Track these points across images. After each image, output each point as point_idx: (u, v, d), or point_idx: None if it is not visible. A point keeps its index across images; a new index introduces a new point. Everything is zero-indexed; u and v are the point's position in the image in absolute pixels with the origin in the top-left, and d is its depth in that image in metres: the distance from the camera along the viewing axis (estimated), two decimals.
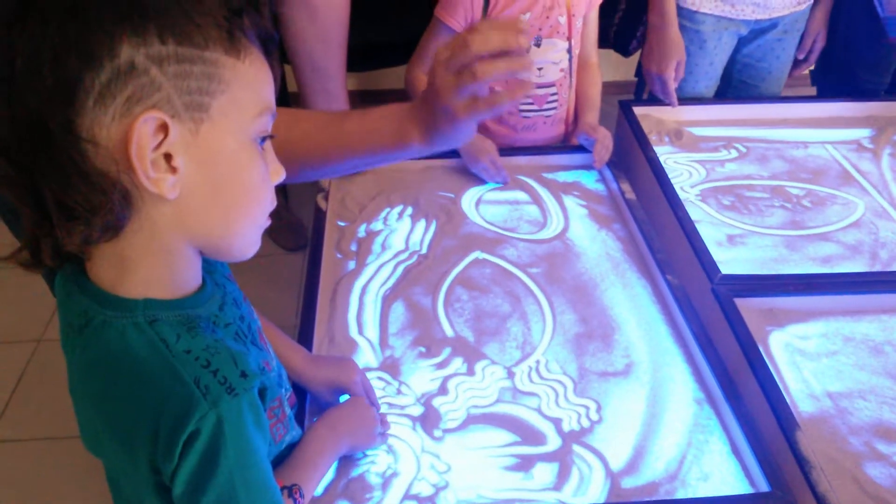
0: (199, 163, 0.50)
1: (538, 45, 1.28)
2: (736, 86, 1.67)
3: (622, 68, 2.60)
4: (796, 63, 1.65)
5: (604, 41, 1.53)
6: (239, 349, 0.56)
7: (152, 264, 0.53)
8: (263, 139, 0.55)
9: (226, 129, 0.50)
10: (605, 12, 1.45)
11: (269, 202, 0.57)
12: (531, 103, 1.34)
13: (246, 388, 0.54)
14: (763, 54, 1.59)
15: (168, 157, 0.48)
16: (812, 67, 1.70)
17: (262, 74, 0.53)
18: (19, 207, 0.50)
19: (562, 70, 1.32)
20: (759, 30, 1.54)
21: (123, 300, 0.53)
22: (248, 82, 0.51)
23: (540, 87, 1.32)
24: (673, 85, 1.43)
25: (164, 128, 0.47)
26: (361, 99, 2.79)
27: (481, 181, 1.27)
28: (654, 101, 1.50)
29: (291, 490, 0.67)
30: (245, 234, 0.56)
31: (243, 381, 0.54)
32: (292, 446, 0.72)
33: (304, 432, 0.75)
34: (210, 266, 0.62)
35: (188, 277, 0.56)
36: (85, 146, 0.46)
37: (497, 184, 1.27)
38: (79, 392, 0.58)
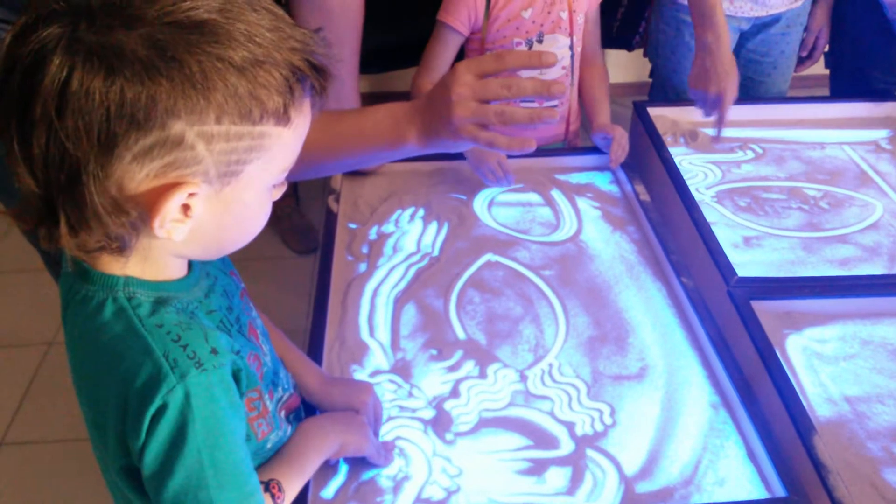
0: (214, 212, 0.52)
1: (540, 42, 1.28)
2: (742, 82, 1.65)
3: (633, 70, 2.59)
4: (800, 60, 1.62)
5: (606, 39, 1.51)
6: (213, 329, 0.56)
7: (141, 258, 0.55)
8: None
9: (249, 188, 0.53)
10: (606, 9, 1.44)
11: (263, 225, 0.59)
12: (531, 101, 1.33)
13: (216, 364, 0.54)
14: (768, 49, 1.58)
15: (186, 206, 0.51)
16: (815, 64, 1.67)
17: (303, 130, 0.55)
18: (27, 198, 0.50)
19: (563, 67, 1.31)
20: (761, 24, 1.53)
21: (105, 276, 0.54)
22: (286, 144, 0.53)
23: None
24: (729, 111, 1.30)
25: (192, 193, 0.50)
26: (374, 101, 2.79)
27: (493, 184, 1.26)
28: (668, 101, 1.49)
29: (269, 485, 0.65)
30: (226, 252, 0.59)
31: (213, 357, 0.54)
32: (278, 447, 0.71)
33: None
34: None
35: (173, 267, 0.58)
36: (111, 193, 0.48)
37: (501, 188, 1.25)
38: (70, 360, 0.60)
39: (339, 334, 0.96)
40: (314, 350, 0.91)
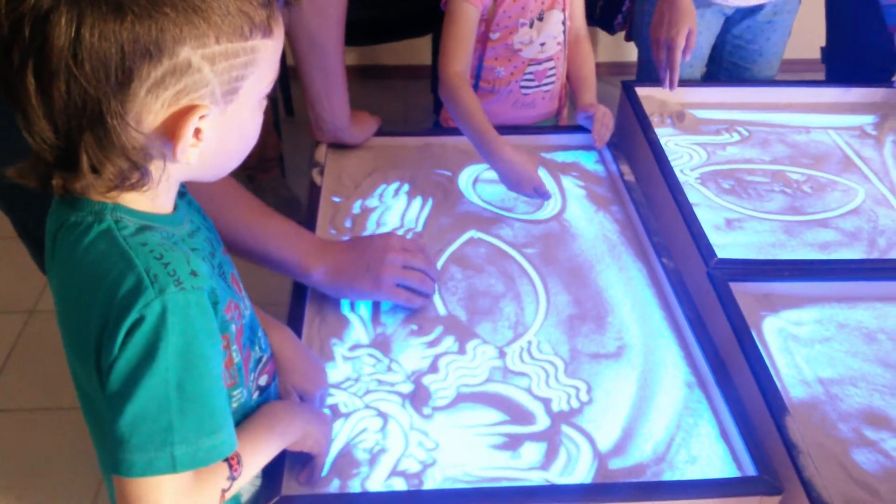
0: (219, 132, 0.56)
1: (541, 19, 1.26)
2: (727, 67, 1.65)
3: (622, 48, 2.59)
4: None
5: (590, 18, 1.50)
6: (195, 256, 0.58)
7: (148, 188, 0.56)
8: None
9: (247, 103, 0.57)
10: None
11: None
12: (532, 79, 1.32)
13: (195, 285, 0.55)
14: (753, 36, 1.58)
15: (197, 131, 0.54)
16: (807, 49, 1.67)
17: (280, 41, 0.58)
18: (39, 153, 0.53)
19: (558, 43, 1.31)
20: (746, 10, 1.53)
21: (95, 202, 0.56)
22: (272, 55, 0.57)
23: (541, 62, 1.31)
24: (679, 57, 1.34)
25: (203, 116, 0.53)
26: (361, 74, 2.77)
27: (479, 160, 1.26)
28: (657, 81, 1.48)
29: (232, 461, 0.63)
30: (218, 174, 0.62)
31: (193, 278, 0.55)
32: (245, 413, 0.69)
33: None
34: (193, 206, 0.67)
35: (163, 202, 0.60)
36: (130, 127, 0.51)
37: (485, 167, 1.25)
38: (56, 301, 0.60)
39: (319, 308, 0.96)
40: (294, 324, 0.91)
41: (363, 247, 0.94)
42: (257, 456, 0.67)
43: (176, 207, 0.62)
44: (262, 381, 0.71)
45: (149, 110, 0.51)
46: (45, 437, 1.56)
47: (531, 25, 1.25)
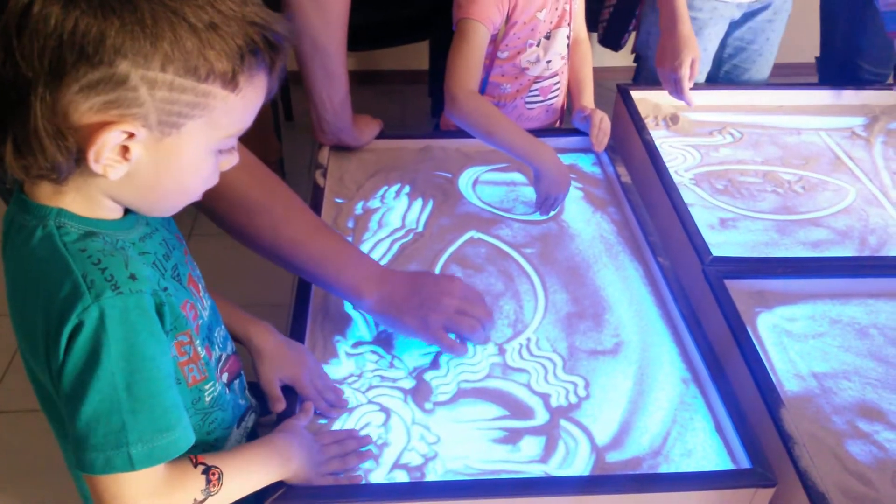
0: (152, 160, 0.55)
1: (548, 38, 1.27)
2: (727, 70, 1.68)
3: (619, 53, 2.60)
4: None
5: (592, 27, 1.51)
6: (139, 261, 0.58)
7: (77, 194, 0.57)
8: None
9: (189, 144, 0.55)
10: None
11: (200, 195, 0.62)
12: (537, 94, 1.34)
13: (133, 289, 0.56)
14: (754, 36, 1.60)
15: (125, 148, 0.53)
16: (800, 52, 1.69)
17: (254, 101, 0.57)
18: None
19: (563, 58, 1.32)
20: (751, 12, 1.55)
21: (40, 206, 0.57)
22: (232, 110, 0.56)
23: (546, 78, 1.32)
24: (688, 84, 1.36)
25: (131, 135, 0.53)
26: (360, 79, 2.79)
27: (479, 163, 1.28)
28: (651, 85, 1.50)
29: (210, 469, 0.63)
30: (164, 211, 0.62)
31: (131, 282, 0.55)
32: (221, 406, 0.71)
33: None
34: None
35: (107, 208, 0.60)
36: (55, 119, 0.51)
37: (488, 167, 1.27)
38: (7, 300, 0.61)
39: (322, 306, 0.98)
40: (298, 322, 0.92)
41: (423, 283, 0.91)
42: (243, 480, 0.66)
43: (126, 213, 0.62)
44: (224, 378, 0.73)
45: (76, 108, 0.51)
46: (48, 438, 1.56)
47: (539, 44, 1.27)
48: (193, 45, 0.51)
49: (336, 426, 0.83)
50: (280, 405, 0.81)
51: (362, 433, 0.82)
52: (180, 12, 0.50)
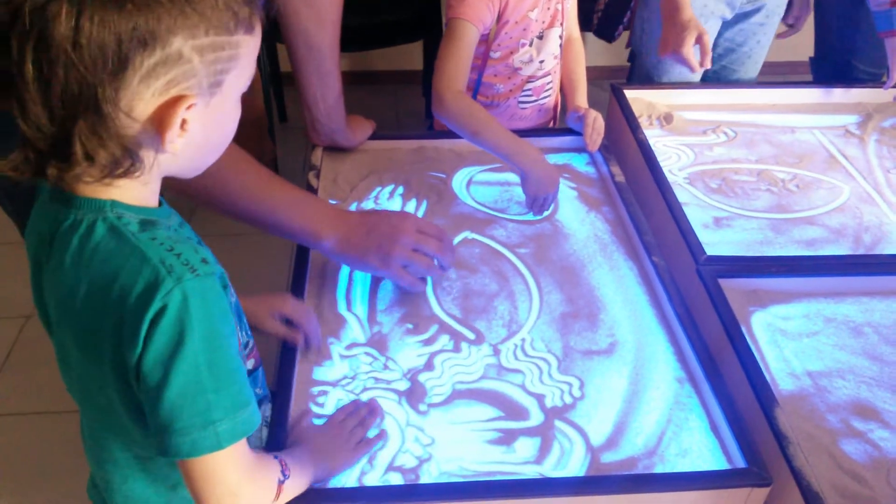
0: (202, 123, 0.57)
1: (540, 38, 1.27)
2: (716, 70, 1.68)
3: (614, 52, 2.61)
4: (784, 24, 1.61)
5: (586, 26, 1.51)
6: (199, 245, 0.62)
7: (128, 184, 0.58)
8: None
9: (228, 96, 0.59)
10: None
11: None
12: (530, 94, 1.34)
13: (207, 272, 0.57)
14: (745, 38, 1.60)
15: (183, 122, 0.55)
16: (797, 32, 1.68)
17: (259, 39, 0.60)
18: (32, 142, 0.54)
19: (555, 57, 1.32)
20: (743, 14, 1.55)
21: (91, 200, 0.57)
22: (251, 52, 0.59)
23: (539, 78, 1.32)
24: (694, 60, 1.32)
25: (190, 107, 0.55)
26: (354, 80, 2.79)
27: (473, 163, 1.28)
28: (644, 84, 1.51)
29: (278, 457, 0.68)
30: (203, 168, 0.64)
31: (204, 265, 0.57)
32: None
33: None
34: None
35: (150, 195, 0.61)
36: (122, 114, 0.53)
37: (482, 167, 1.27)
38: (52, 306, 0.62)
39: (316, 307, 0.98)
40: (292, 323, 0.92)
41: (378, 222, 0.94)
42: (298, 475, 0.70)
43: (161, 204, 0.63)
44: (249, 364, 0.73)
45: (140, 98, 0.53)
46: (42, 441, 1.56)
47: (531, 44, 1.27)
48: (223, 2, 0.54)
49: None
50: (296, 336, 0.88)
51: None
52: None
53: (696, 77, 1.59)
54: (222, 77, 0.57)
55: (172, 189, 0.82)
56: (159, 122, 0.54)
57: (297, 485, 0.70)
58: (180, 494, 0.71)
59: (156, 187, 0.62)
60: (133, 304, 0.55)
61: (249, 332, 0.74)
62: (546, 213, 1.18)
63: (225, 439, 0.58)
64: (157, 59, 0.52)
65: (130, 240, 0.56)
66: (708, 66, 1.34)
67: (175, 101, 0.54)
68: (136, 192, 0.59)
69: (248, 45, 0.58)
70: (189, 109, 0.55)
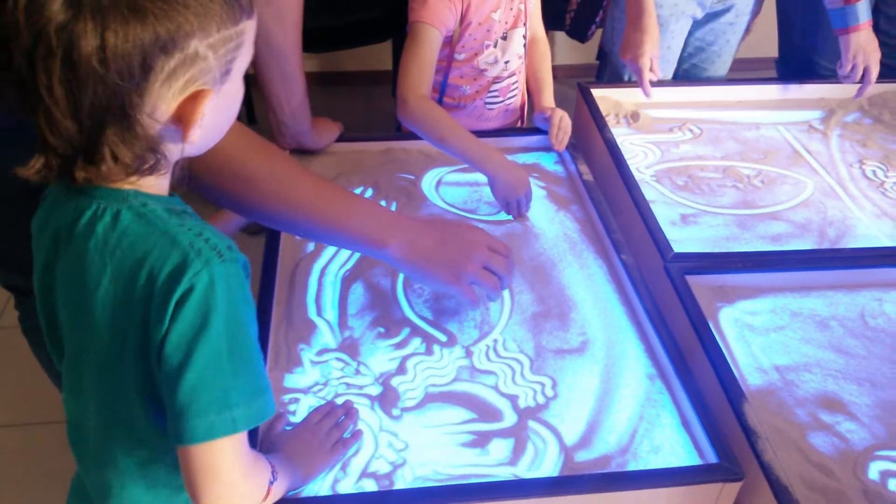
0: (214, 109, 0.59)
1: (504, 39, 1.27)
2: (686, 69, 1.70)
3: (583, 51, 2.62)
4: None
5: (559, 26, 1.52)
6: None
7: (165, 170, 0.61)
8: None
9: (235, 80, 0.61)
10: None
11: None
12: (497, 95, 1.34)
13: (234, 258, 0.59)
14: (715, 37, 1.62)
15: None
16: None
17: (256, 15, 0.62)
18: (53, 145, 0.55)
19: (520, 57, 1.33)
20: (713, 13, 1.57)
21: (113, 190, 0.59)
22: (252, 32, 0.61)
23: (505, 78, 1.32)
24: (647, 76, 1.40)
25: (209, 98, 0.57)
26: (322, 80, 2.77)
27: (442, 164, 1.27)
28: (612, 83, 1.52)
29: (271, 464, 0.68)
30: (211, 146, 0.65)
31: (229, 251, 0.59)
32: None
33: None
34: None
35: (165, 182, 0.63)
36: (146, 117, 0.55)
37: (451, 168, 1.26)
38: (65, 302, 0.63)
39: (286, 313, 0.97)
40: (261, 330, 0.90)
41: (450, 233, 0.89)
42: (281, 481, 0.69)
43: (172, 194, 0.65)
44: None
45: (163, 100, 0.55)
46: (14, 453, 1.53)
47: (495, 45, 1.27)
48: None
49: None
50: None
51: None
52: None
53: (668, 75, 1.60)
54: (231, 65, 0.59)
55: (227, 205, 0.84)
56: (181, 118, 0.57)
57: (281, 488, 0.70)
58: (182, 498, 0.70)
59: (168, 176, 0.63)
60: (161, 285, 0.56)
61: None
62: (524, 215, 1.17)
63: (241, 424, 0.59)
64: (176, 62, 0.54)
65: (159, 225, 0.58)
66: (648, 96, 1.41)
67: (194, 97, 0.56)
68: (155, 181, 0.61)
69: (251, 29, 0.60)
70: (205, 101, 0.57)
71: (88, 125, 0.54)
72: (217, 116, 0.61)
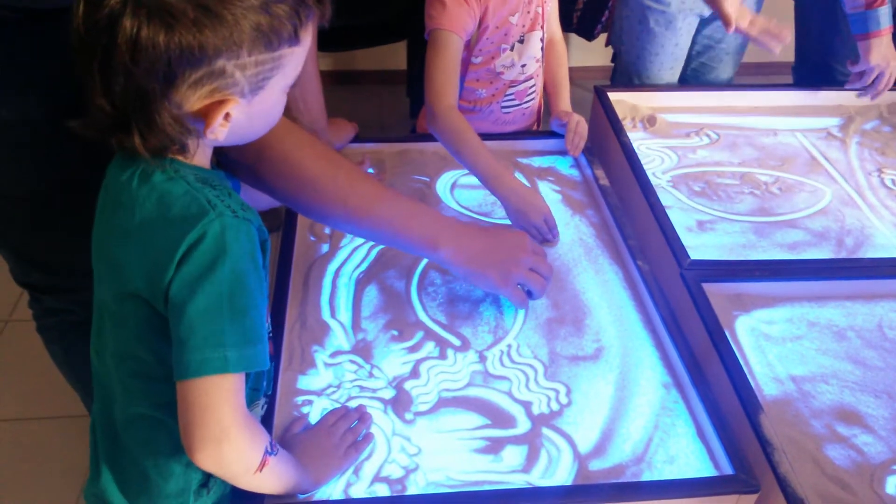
0: (246, 115, 0.66)
1: (521, 42, 1.27)
2: (695, 67, 1.69)
3: (598, 53, 2.61)
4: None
5: (568, 27, 1.52)
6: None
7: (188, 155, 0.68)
8: None
9: (271, 94, 0.66)
10: None
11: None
12: (513, 98, 1.33)
13: (248, 218, 0.66)
14: (723, 35, 1.62)
15: (227, 115, 0.64)
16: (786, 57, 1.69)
17: (309, 41, 0.67)
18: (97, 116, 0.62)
19: (537, 60, 1.32)
20: None
21: (152, 157, 0.65)
22: (298, 58, 0.66)
23: (521, 82, 1.32)
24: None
25: (232, 106, 0.64)
26: (337, 80, 2.77)
27: (457, 166, 1.27)
28: (628, 86, 1.51)
29: (272, 442, 0.68)
30: (260, 135, 0.71)
31: (244, 211, 0.66)
32: (259, 381, 0.77)
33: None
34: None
35: (204, 159, 0.70)
36: (173, 112, 0.61)
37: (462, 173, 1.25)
38: (103, 250, 0.70)
39: (300, 315, 0.97)
40: (275, 331, 0.91)
41: (499, 238, 0.95)
42: (282, 469, 0.70)
43: (213, 167, 0.72)
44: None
45: (188, 100, 0.61)
46: (23, 447, 1.53)
47: (513, 48, 1.26)
48: (266, 24, 0.61)
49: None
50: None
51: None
52: (248, 4, 0.60)
53: (675, 75, 1.59)
54: (265, 83, 0.64)
55: (291, 206, 0.91)
56: (203, 117, 0.63)
57: (281, 471, 0.69)
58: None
59: (209, 152, 0.71)
60: (179, 230, 0.62)
61: (269, 323, 0.76)
62: (550, 240, 1.13)
63: (232, 365, 0.62)
64: (203, 72, 0.60)
65: (185, 185, 0.65)
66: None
67: (219, 104, 0.63)
68: (192, 155, 0.67)
69: (294, 55, 0.65)
70: (232, 108, 0.63)
71: (120, 106, 0.61)
72: (250, 121, 0.67)
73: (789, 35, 1.39)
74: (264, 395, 0.79)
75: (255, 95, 0.65)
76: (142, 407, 0.71)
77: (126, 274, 0.66)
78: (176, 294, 0.62)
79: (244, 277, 0.64)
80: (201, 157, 0.69)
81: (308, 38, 0.66)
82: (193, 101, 0.62)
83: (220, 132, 0.65)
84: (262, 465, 0.66)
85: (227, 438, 0.62)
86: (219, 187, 0.68)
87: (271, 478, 0.68)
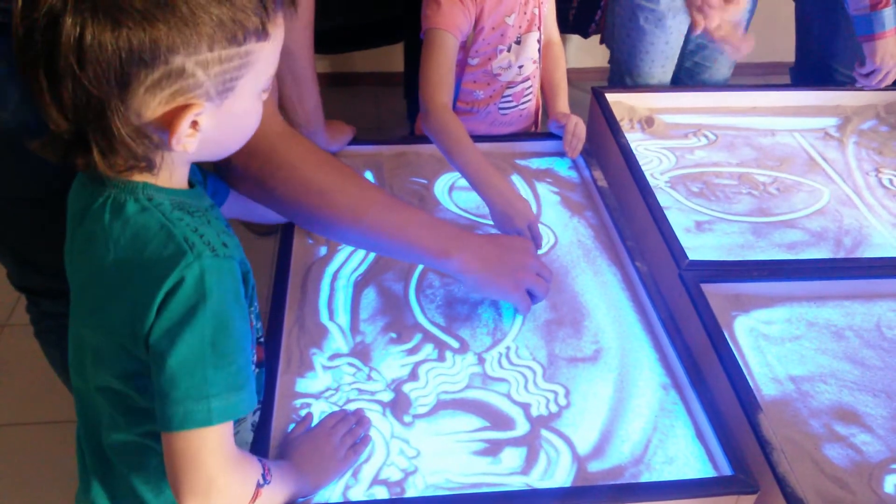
0: (216, 122, 0.60)
1: (518, 43, 1.27)
2: (689, 67, 1.69)
3: (596, 54, 2.61)
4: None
5: (562, 25, 1.52)
6: (225, 231, 0.66)
7: (156, 169, 0.62)
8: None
9: (242, 98, 0.61)
10: None
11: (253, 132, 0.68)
12: (510, 100, 1.33)
13: (227, 255, 0.62)
14: None
15: (194, 122, 0.59)
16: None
17: (280, 38, 0.63)
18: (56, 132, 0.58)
19: (534, 62, 1.32)
20: None
21: (124, 181, 0.61)
22: (269, 54, 0.62)
23: (518, 83, 1.32)
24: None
25: (199, 112, 0.58)
26: (334, 81, 2.77)
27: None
28: (626, 87, 1.51)
29: (261, 460, 0.68)
30: (229, 153, 0.68)
31: (224, 248, 0.62)
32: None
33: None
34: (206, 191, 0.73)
35: (179, 179, 0.66)
36: (132, 122, 0.56)
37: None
38: (77, 281, 0.67)
39: (298, 318, 0.97)
40: (273, 333, 0.91)
41: (506, 246, 0.95)
42: (280, 484, 0.69)
43: (192, 185, 0.68)
44: (253, 359, 0.73)
45: (147, 106, 0.56)
46: (21, 453, 1.53)
47: (509, 50, 1.26)
48: (227, 16, 0.55)
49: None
50: None
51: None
52: None
53: (667, 75, 1.59)
54: (233, 83, 0.59)
55: (300, 221, 0.89)
56: (168, 125, 0.57)
57: (277, 493, 0.69)
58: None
59: (184, 171, 0.66)
60: (156, 274, 0.58)
61: (261, 328, 0.76)
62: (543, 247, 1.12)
63: (216, 416, 0.59)
64: (160, 73, 0.54)
65: (160, 219, 0.60)
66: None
67: (182, 109, 0.57)
68: (165, 175, 0.63)
69: (263, 50, 0.60)
70: (199, 114, 0.58)
71: (74, 119, 0.55)
72: (222, 128, 0.62)
73: (749, 48, 1.39)
74: (257, 402, 0.79)
75: (224, 98, 0.59)
76: (128, 435, 0.69)
77: (104, 317, 0.63)
78: (156, 343, 0.59)
79: (228, 321, 0.60)
80: (177, 176, 0.65)
81: (280, 33, 0.62)
82: (154, 107, 0.56)
83: (189, 143, 0.59)
84: (255, 498, 0.65)
85: (216, 488, 0.61)
86: (196, 213, 0.64)
87: (265, 502, 0.67)
